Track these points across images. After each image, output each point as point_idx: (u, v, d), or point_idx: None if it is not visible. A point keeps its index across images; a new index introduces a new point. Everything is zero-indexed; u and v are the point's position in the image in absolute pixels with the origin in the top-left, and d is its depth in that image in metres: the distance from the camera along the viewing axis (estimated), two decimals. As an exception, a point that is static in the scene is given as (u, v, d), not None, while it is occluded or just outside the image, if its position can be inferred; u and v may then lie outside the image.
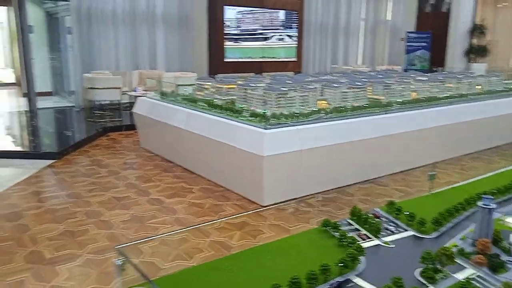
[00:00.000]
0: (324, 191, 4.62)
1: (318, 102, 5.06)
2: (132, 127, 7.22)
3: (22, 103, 9.73)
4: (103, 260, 3.17)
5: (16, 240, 3.47)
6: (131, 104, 7.77)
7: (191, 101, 5.64)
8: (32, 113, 8.75)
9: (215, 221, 3.82)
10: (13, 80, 13.78)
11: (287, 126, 4.36)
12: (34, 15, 10.52)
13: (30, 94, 8.93)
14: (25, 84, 9.30)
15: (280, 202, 4.31)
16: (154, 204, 4.30)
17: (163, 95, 6.30)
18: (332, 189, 4.68)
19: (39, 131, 7.65)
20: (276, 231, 3.69)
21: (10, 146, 6.52)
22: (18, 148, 6.44)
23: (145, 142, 6.42)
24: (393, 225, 2.15)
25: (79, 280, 2.90)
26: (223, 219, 3.85)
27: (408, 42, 13.89)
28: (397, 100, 5.64)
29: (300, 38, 12.16)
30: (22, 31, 8.72)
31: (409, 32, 13.96)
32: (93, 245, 3.42)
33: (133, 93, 8.48)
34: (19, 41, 9.42)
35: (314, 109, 4.84)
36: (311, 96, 5.00)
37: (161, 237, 3.50)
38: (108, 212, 4.06)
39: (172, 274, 1.57)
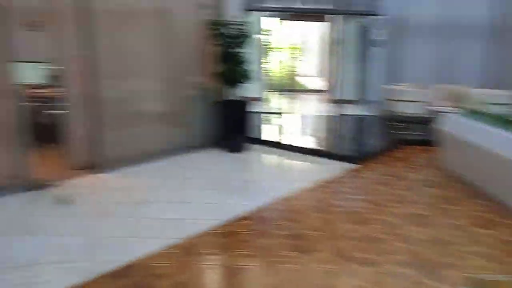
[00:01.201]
0: None
1: None
2: (429, 142, 6.92)
3: (328, 109, 10.82)
4: (401, 274, 3.12)
5: (321, 232, 3.83)
6: (428, 119, 7.47)
7: (509, 122, 4.93)
8: (337, 118, 9.63)
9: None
10: (320, 87, 15.53)
11: None
12: (346, 28, 11.45)
13: (338, 101, 9.84)
14: (333, 91, 10.32)
15: None
16: (455, 229, 3.96)
17: (473, 113, 5.76)
18: None
19: (342, 135, 8.33)
20: None
21: (317, 145, 7.34)
22: (323, 148, 7.17)
23: (447, 161, 6.01)
24: None
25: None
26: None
27: None
28: None
29: None
30: (335, 44, 9.69)
31: None
32: (392, 256, 3.41)
33: (435, 108, 8.14)
34: (335, 53, 10.50)
35: None
36: None
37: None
38: (406, 226, 3.99)
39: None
